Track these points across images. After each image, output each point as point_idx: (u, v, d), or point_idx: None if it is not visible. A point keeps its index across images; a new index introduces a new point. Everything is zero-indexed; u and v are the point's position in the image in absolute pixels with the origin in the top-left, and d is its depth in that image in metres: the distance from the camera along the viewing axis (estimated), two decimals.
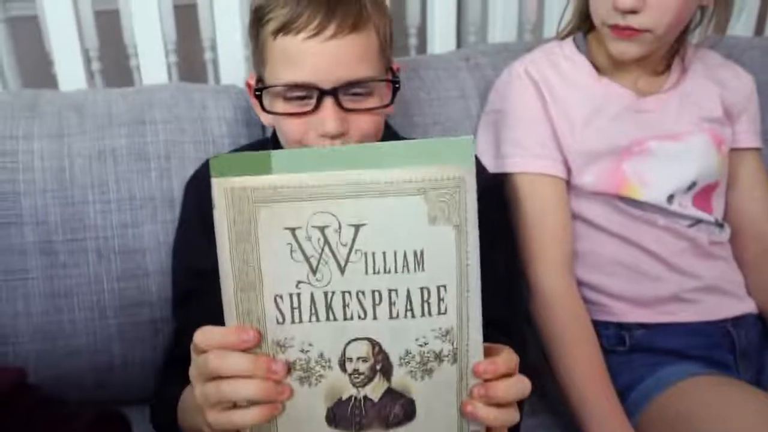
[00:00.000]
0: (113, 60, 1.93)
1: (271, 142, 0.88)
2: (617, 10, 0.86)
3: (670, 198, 0.94)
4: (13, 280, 0.86)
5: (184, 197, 0.89)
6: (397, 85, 0.80)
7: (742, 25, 1.47)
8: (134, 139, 0.90)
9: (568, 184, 0.96)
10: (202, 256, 0.82)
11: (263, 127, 0.97)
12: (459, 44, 1.49)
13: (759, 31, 1.58)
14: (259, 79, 0.81)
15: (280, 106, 0.77)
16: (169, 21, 1.74)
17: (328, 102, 0.74)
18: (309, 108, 0.75)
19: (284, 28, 0.73)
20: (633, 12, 0.86)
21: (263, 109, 0.80)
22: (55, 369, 0.88)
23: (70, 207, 0.87)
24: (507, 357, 0.53)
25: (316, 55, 0.73)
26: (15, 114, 0.89)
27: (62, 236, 0.87)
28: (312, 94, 0.74)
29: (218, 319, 0.52)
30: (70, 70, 1.29)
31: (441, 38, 1.41)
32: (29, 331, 0.87)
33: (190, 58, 2.01)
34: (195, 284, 0.82)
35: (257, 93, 0.78)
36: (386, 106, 0.79)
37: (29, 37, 1.88)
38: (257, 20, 0.77)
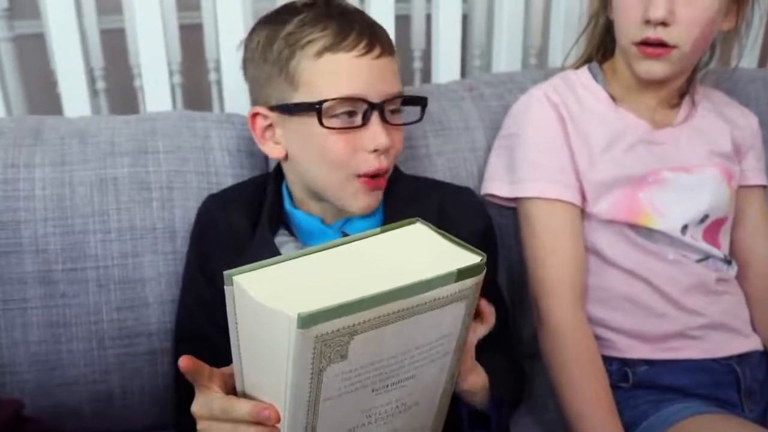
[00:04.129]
0: (118, 79, 1.94)
1: (273, 177, 0.88)
2: (648, 23, 0.88)
3: (684, 229, 0.93)
4: (11, 309, 0.85)
5: (194, 228, 0.89)
6: (425, 102, 0.85)
7: (746, 57, 1.47)
8: (136, 169, 0.90)
9: (582, 212, 0.95)
10: (204, 297, 0.82)
11: (266, 159, 0.97)
12: (463, 67, 1.49)
13: (762, 63, 1.58)
14: (277, 107, 0.80)
15: (319, 128, 0.76)
16: (174, 41, 1.74)
17: (375, 117, 0.78)
18: (357, 124, 0.77)
19: (333, 47, 0.76)
20: (663, 24, 0.87)
21: (260, 139, 0.82)
22: (53, 399, 0.88)
23: (71, 236, 0.86)
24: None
25: (367, 70, 0.77)
26: (17, 141, 0.89)
27: (62, 265, 0.86)
28: (358, 109, 0.77)
29: (214, 359, 0.57)
30: (75, 89, 1.29)
31: (445, 63, 1.41)
32: (27, 360, 0.86)
33: (195, 78, 2.02)
34: (198, 322, 0.82)
35: (316, 107, 0.76)
36: (417, 121, 0.85)
37: (35, 55, 1.89)
38: (288, 45, 0.78)
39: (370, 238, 0.56)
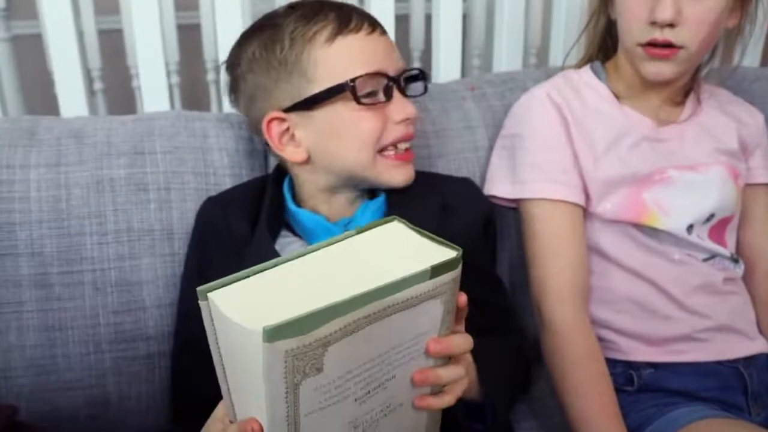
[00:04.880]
0: (117, 80, 1.93)
1: (272, 179, 0.86)
2: (655, 25, 0.87)
3: (690, 228, 0.92)
4: (6, 312, 0.84)
5: (193, 233, 0.87)
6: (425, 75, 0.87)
7: (748, 56, 1.46)
8: (133, 170, 0.88)
9: (585, 212, 0.94)
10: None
11: (265, 158, 0.95)
12: (462, 66, 1.47)
13: (765, 62, 1.57)
14: (296, 106, 0.79)
15: (349, 110, 0.77)
16: (172, 41, 1.73)
17: (395, 90, 0.80)
18: (382, 100, 0.79)
19: (342, 30, 0.77)
20: (670, 26, 0.86)
21: (277, 138, 0.81)
22: (49, 403, 0.86)
23: (67, 238, 0.85)
24: (462, 339, 0.58)
25: (379, 46, 0.80)
26: (12, 142, 0.88)
27: (58, 268, 0.84)
28: (378, 87, 0.78)
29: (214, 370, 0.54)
30: (71, 89, 1.27)
31: (446, 62, 1.40)
32: (22, 364, 0.85)
33: (194, 78, 2.01)
34: (198, 330, 0.80)
35: (351, 84, 0.76)
36: (422, 94, 0.87)
37: (33, 55, 1.88)
38: (294, 42, 0.78)
39: (346, 240, 0.55)
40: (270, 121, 0.80)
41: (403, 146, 0.82)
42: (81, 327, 0.85)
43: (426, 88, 0.87)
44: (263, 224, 0.81)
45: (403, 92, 0.81)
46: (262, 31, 0.80)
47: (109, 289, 0.86)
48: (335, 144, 0.80)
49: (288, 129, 0.81)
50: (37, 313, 0.84)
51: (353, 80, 0.76)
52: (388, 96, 0.79)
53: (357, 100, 0.77)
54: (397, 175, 0.82)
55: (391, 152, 0.81)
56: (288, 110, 0.79)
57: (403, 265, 0.50)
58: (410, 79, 0.84)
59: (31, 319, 0.84)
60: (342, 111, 0.78)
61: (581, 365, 0.87)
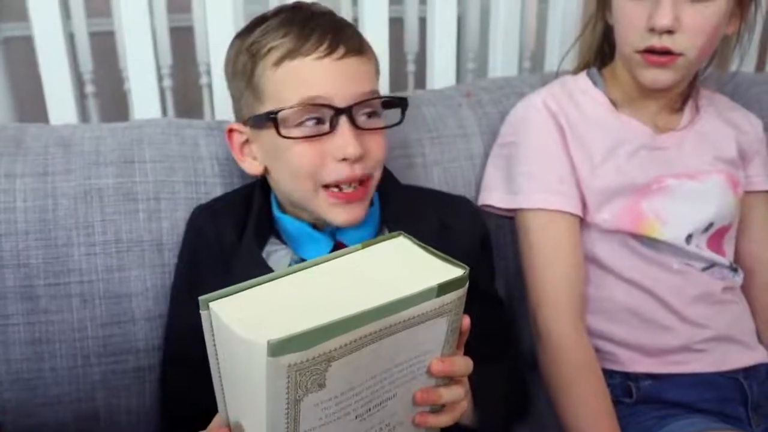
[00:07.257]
0: (109, 83, 1.91)
1: (260, 185, 0.85)
2: (653, 32, 0.85)
3: (689, 238, 0.91)
4: None
5: (183, 242, 0.86)
6: (406, 103, 0.80)
7: (743, 61, 1.45)
8: (122, 179, 0.86)
9: (582, 222, 0.92)
10: (195, 316, 0.79)
11: None
12: (457, 70, 1.46)
13: (760, 67, 1.56)
14: (247, 121, 0.79)
15: (282, 138, 0.73)
16: (165, 44, 1.71)
17: (344, 122, 0.72)
18: (324, 131, 0.73)
19: (292, 53, 0.72)
20: (669, 32, 0.84)
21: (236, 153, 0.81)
22: (36, 418, 0.84)
23: (53, 249, 0.83)
24: (463, 362, 0.58)
25: (329, 72, 0.73)
26: None
27: (44, 280, 0.82)
28: (325, 116, 0.73)
29: (207, 385, 0.54)
30: (60, 94, 1.25)
31: (440, 67, 1.38)
32: (9, 379, 0.82)
33: (187, 82, 1.99)
34: (189, 345, 0.79)
35: (271, 117, 0.72)
36: (397, 124, 0.79)
37: (25, 58, 1.85)
38: (251, 57, 0.76)
39: (351, 255, 0.55)
40: (231, 130, 0.81)
41: (348, 187, 0.75)
42: (68, 340, 0.83)
43: (402, 119, 0.80)
44: (250, 232, 0.79)
45: (356, 125, 0.73)
46: (240, 36, 0.80)
47: (97, 301, 0.84)
48: (275, 168, 0.78)
49: (247, 140, 0.80)
50: (23, 326, 0.82)
51: (276, 112, 0.72)
52: (332, 127, 0.72)
53: (278, 132, 0.72)
54: (338, 215, 0.75)
55: (334, 189, 0.75)
56: (245, 123, 0.79)
57: (409, 281, 0.49)
58: (386, 105, 0.79)
59: (17, 332, 0.82)
60: (278, 138, 0.73)
61: (579, 377, 0.86)
